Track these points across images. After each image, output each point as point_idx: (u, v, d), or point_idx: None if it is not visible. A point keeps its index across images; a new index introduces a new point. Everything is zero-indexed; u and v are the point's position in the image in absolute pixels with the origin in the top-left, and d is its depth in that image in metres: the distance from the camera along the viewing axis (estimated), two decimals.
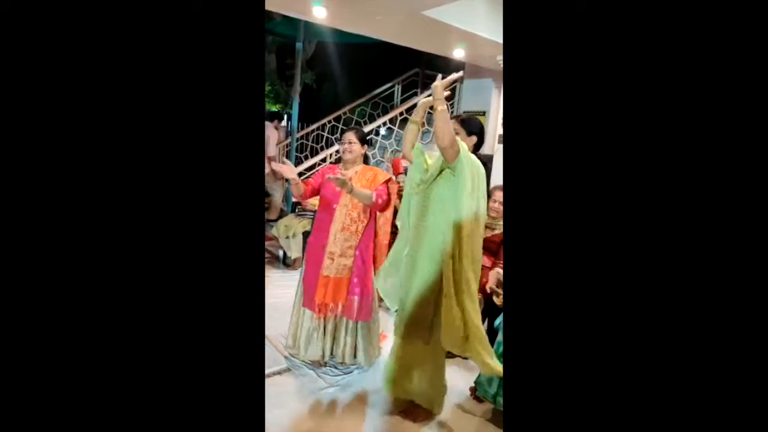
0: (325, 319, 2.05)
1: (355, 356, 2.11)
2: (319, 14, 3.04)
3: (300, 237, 3.60)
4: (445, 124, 1.53)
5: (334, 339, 2.09)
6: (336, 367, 2.15)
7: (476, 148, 1.71)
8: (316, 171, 2.14)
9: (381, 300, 2.02)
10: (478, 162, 1.65)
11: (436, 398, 1.83)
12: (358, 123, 5.55)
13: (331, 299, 2.03)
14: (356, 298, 2.05)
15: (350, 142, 2.05)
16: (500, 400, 1.76)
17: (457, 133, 1.66)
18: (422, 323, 1.68)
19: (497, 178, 3.28)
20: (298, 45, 4.42)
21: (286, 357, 2.24)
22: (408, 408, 1.86)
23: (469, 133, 1.67)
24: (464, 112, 4.86)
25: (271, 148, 4.68)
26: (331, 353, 2.10)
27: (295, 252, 3.69)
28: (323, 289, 2.02)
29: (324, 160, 4.56)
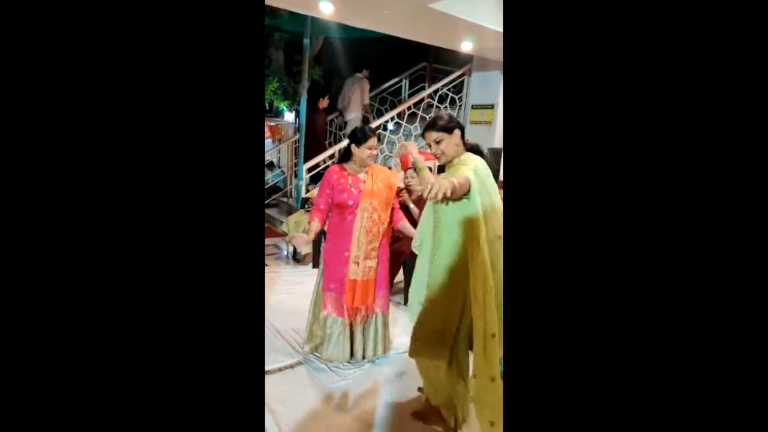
0: (353, 323, 2.09)
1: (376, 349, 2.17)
2: (325, 9, 3.04)
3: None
4: (456, 186, 1.41)
5: (363, 339, 2.13)
6: (348, 361, 2.17)
7: (462, 136, 1.67)
8: (320, 184, 2.10)
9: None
10: (479, 161, 1.59)
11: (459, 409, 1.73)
12: (365, 119, 5.55)
13: (361, 302, 2.06)
14: (382, 294, 2.12)
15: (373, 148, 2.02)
16: None
17: (438, 142, 1.59)
18: (443, 341, 1.58)
19: None
20: (305, 41, 4.42)
21: (297, 351, 2.27)
22: (425, 410, 1.81)
23: (451, 130, 1.61)
24: (472, 106, 4.84)
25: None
26: (363, 354, 2.14)
27: (305, 248, 3.71)
28: (351, 293, 2.04)
29: (332, 156, 4.57)
